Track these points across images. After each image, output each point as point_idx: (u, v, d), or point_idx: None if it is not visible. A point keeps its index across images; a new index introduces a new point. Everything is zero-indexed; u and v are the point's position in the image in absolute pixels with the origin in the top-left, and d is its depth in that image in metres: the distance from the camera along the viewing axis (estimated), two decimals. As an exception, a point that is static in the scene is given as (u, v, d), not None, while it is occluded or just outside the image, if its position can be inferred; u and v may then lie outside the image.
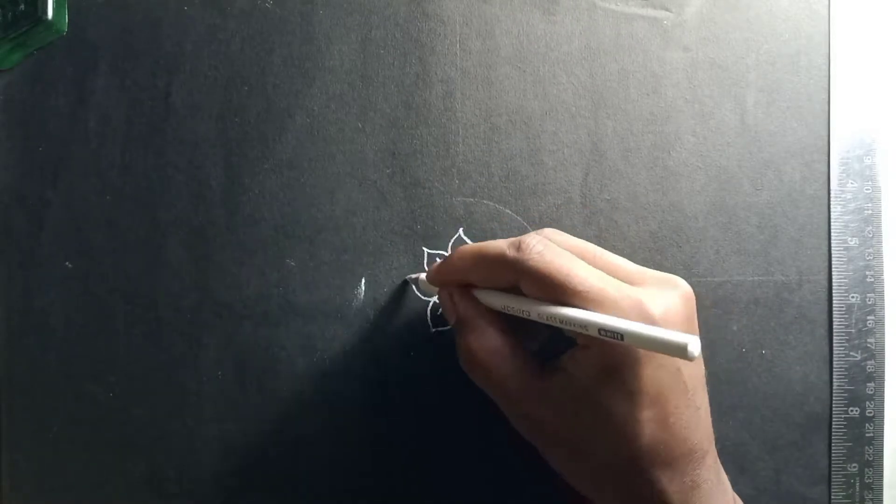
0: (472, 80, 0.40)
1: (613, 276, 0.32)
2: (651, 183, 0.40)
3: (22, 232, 0.39)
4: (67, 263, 0.39)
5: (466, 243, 0.40)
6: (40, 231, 0.39)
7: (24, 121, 0.39)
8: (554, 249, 0.32)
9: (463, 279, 0.35)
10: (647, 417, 0.30)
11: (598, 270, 0.32)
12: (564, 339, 0.33)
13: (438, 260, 0.39)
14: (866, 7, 0.41)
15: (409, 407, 0.39)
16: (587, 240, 0.39)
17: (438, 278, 0.37)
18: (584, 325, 0.29)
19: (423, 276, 0.39)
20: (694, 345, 0.27)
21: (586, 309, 0.30)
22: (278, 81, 0.40)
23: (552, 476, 0.34)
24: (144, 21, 0.40)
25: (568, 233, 0.39)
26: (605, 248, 0.39)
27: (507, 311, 0.33)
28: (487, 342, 0.33)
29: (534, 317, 0.32)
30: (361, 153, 0.40)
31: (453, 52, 0.40)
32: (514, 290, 0.33)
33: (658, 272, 0.33)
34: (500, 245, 0.33)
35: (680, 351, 0.27)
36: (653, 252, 0.40)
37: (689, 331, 0.32)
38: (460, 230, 0.40)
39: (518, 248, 0.32)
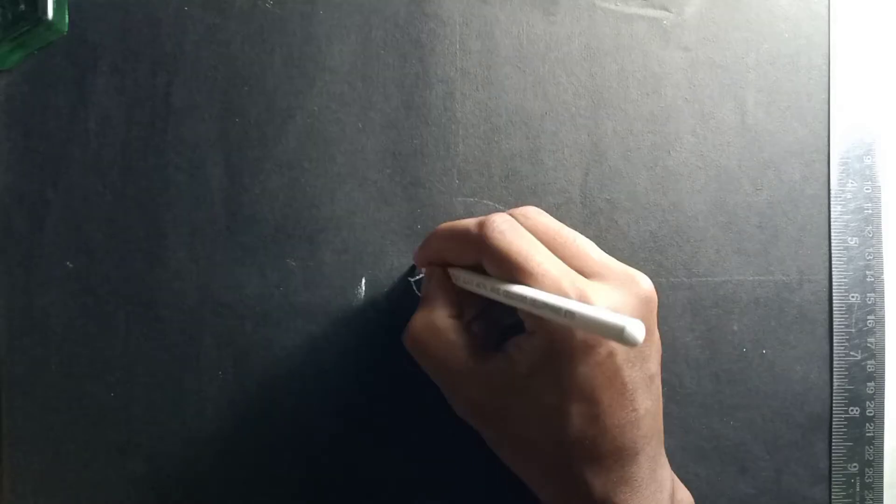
0: (471, 81, 0.40)
1: (577, 265, 0.32)
2: (651, 183, 0.40)
3: (22, 232, 0.39)
4: (68, 263, 0.39)
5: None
6: (40, 231, 0.39)
7: (24, 121, 0.39)
8: (517, 230, 0.32)
9: (440, 258, 0.35)
10: (575, 412, 0.30)
11: (556, 259, 0.32)
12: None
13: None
14: (866, 7, 0.41)
15: (410, 407, 0.39)
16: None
17: (420, 257, 0.37)
18: (525, 299, 0.30)
19: None
20: (633, 328, 0.25)
21: None
22: (278, 81, 0.40)
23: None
24: (144, 21, 0.40)
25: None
26: (605, 249, 0.40)
27: (477, 291, 0.33)
28: (431, 320, 0.34)
29: (491, 294, 0.32)
30: (361, 153, 0.40)
31: (453, 52, 0.40)
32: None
33: (624, 268, 0.33)
34: (468, 222, 0.33)
35: (616, 333, 0.26)
36: (653, 252, 0.40)
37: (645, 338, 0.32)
38: (460, 230, 0.40)
39: (482, 226, 0.32)
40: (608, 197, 0.40)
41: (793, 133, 0.41)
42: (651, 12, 0.40)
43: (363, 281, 0.39)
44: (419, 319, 0.34)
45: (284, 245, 0.39)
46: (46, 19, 0.39)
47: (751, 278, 0.40)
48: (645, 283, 0.33)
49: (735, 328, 0.40)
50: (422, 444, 0.39)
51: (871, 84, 0.41)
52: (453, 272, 0.35)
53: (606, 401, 0.30)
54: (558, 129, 0.40)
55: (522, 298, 0.30)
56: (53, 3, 0.39)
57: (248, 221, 0.39)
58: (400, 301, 0.40)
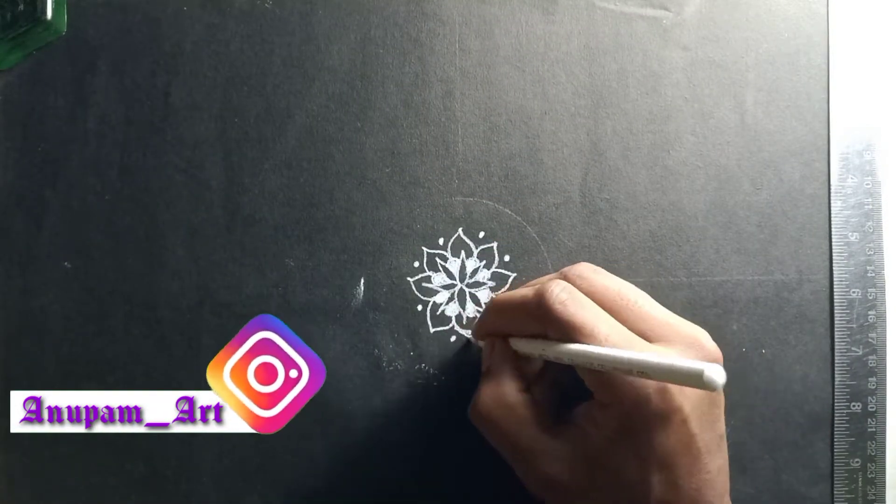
0: (471, 80, 0.40)
1: (640, 328, 0.32)
2: (651, 182, 0.40)
3: (21, 232, 0.39)
4: (66, 263, 0.39)
5: (466, 243, 0.40)
6: (39, 231, 0.39)
7: (23, 121, 0.39)
8: (577, 300, 0.32)
9: (500, 330, 0.35)
10: (656, 480, 0.30)
11: (620, 327, 0.31)
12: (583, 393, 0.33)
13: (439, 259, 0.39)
14: (865, 6, 0.41)
15: (408, 407, 0.39)
16: (587, 239, 0.39)
17: (479, 331, 0.37)
18: (600, 360, 0.29)
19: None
20: (712, 372, 0.25)
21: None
22: (278, 81, 0.40)
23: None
24: (143, 21, 0.40)
25: (567, 233, 0.39)
26: (605, 249, 0.40)
27: (543, 357, 0.33)
28: (501, 394, 0.34)
29: (563, 359, 0.31)
30: (361, 153, 0.40)
31: (452, 51, 0.40)
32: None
33: (688, 327, 0.33)
34: (526, 294, 0.33)
35: (695, 379, 0.26)
36: (652, 252, 0.40)
37: (711, 399, 0.31)
38: (460, 230, 0.40)
39: (540, 296, 0.32)
40: (607, 196, 0.40)
41: (792, 132, 0.41)
42: (650, 12, 0.41)
43: (362, 281, 0.39)
44: (488, 395, 0.34)
45: (283, 245, 0.39)
46: (45, 19, 0.39)
47: (750, 278, 0.40)
48: (710, 345, 0.32)
49: (734, 328, 0.40)
50: (421, 445, 0.39)
51: (870, 82, 0.41)
52: (513, 341, 0.35)
53: (684, 466, 0.30)
54: (557, 128, 0.40)
55: (593, 358, 0.30)
56: (52, 2, 0.39)
57: (247, 221, 0.39)
58: (399, 301, 0.39)
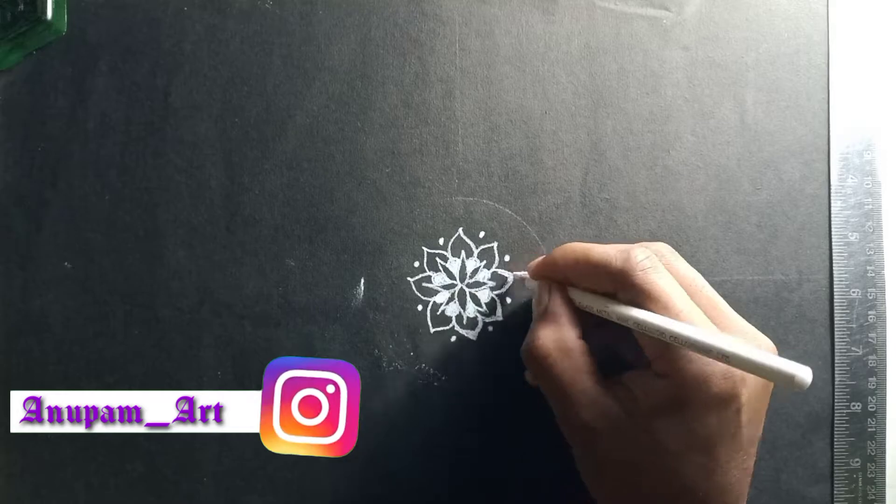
0: (471, 80, 0.40)
1: (709, 314, 0.32)
2: (650, 182, 0.40)
3: (21, 232, 0.39)
4: (66, 264, 0.39)
5: (466, 243, 0.40)
6: (39, 231, 0.39)
7: (24, 121, 0.39)
8: (660, 270, 0.32)
9: (563, 277, 0.35)
10: (695, 462, 0.30)
11: (695, 306, 0.31)
12: (632, 358, 0.33)
13: (443, 256, 0.39)
14: (865, 6, 0.41)
15: (408, 407, 0.39)
16: (587, 239, 0.39)
17: (539, 272, 0.37)
18: (675, 336, 0.29)
19: (526, 273, 0.39)
20: (804, 374, 0.26)
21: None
22: (278, 81, 0.40)
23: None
24: (144, 21, 0.40)
25: (567, 233, 0.39)
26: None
27: (600, 315, 0.33)
28: (561, 337, 0.33)
29: (627, 323, 0.31)
30: (361, 153, 0.40)
31: (452, 51, 0.40)
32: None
33: (750, 327, 0.33)
34: (608, 252, 0.33)
35: (784, 379, 0.26)
36: (653, 251, 0.40)
37: (764, 396, 0.32)
38: (460, 230, 0.40)
39: (626, 259, 0.32)
40: (607, 196, 0.40)
41: (792, 132, 0.41)
42: (651, 11, 0.41)
43: (362, 281, 0.39)
44: (548, 335, 0.34)
45: (283, 245, 0.39)
46: (45, 19, 0.39)
47: (750, 278, 0.40)
48: (770, 346, 0.32)
49: (735, 328, 0.40)
50: (420, 446, 0.39)
51: (870, 81, 0.41)
52: (573, 291, 0.35)
53: (724, 456, 0.30)
54: (558, 128, 0.40)
55: (667, 332, 0.30)
56: (52, 3, 0.39)
57: (248, 221, 0.39)
58: (399, 301, 0.39)
